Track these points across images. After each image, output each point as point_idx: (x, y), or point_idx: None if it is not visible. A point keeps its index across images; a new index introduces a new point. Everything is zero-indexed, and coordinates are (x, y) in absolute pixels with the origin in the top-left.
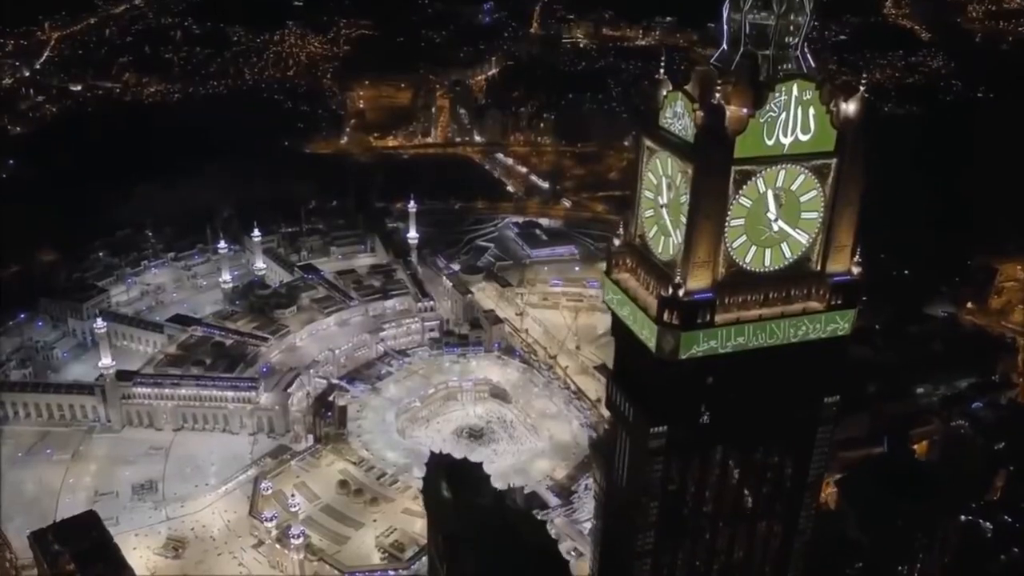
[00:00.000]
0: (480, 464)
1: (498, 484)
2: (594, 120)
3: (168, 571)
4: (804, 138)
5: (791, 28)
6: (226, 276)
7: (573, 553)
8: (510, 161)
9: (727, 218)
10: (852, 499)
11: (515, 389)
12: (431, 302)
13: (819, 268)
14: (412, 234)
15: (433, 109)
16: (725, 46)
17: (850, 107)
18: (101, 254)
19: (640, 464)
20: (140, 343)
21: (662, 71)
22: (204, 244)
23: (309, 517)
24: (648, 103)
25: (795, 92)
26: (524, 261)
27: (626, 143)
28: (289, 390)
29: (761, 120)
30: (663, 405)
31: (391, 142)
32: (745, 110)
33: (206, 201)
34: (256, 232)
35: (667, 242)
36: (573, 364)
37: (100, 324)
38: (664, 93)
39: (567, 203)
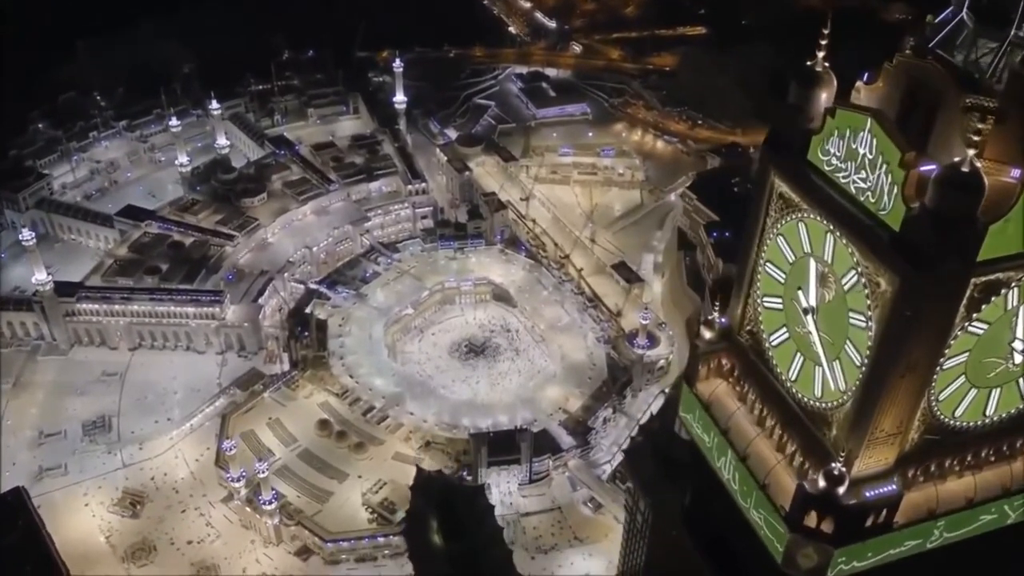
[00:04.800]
0: (481, 488)
1: (503, 418)
2: None
3: (124, 533)
4: None
5: None
6: (183, 158)
7: (590, 504)
8: None
9: (943, 359)
10: None
11: (521, 292)
12: (423, 184)
13: None
14: (399, 98)
15: None
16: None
17: None
18: (40, 125)
19: None
20: (89, 238)
21: (820, 53)
22: (161, 110)
23: (285, 467)
24: (787, 114)
25: None
26: (529, 123)
27: None
28: (260, 300)
29: None
30: None
31: None
32: (1017, 173)
33: (162, 55)
34: (215, 104)
35: (813, 374)
36: (588, 262)
37: (27, 235)
38: (823, 99)
39: (577, 48)
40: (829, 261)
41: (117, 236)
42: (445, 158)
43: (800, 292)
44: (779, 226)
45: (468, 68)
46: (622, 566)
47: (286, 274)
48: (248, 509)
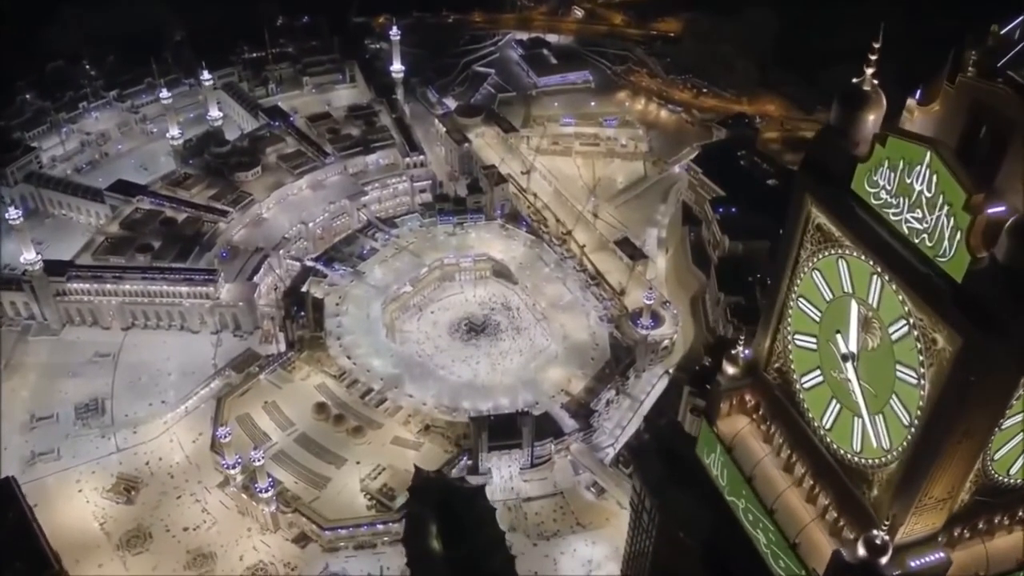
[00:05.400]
0: (482, 489)
1: (504, 401)
2: None
3: (119, 520)
4: None
5: None
6: (174, 131)
7: (593, 489)
8: None
9: (1002, 420)
10: None
11: (522, 269)
12: (421, 156)
13: None
14: (396, 66)
15: None
16: None
17: None
18: (28, 96)
19: None
20: (79, 213)
21: (868, 70)
22: (153, 79)
23: (281, 452)
24: (829, 137)
25: None
26: (529, 92)
27: None
28: (255, 279)
29: None
30: None
31: None
32: None
33: (153, 21)
34: (207, 75)
35: (851, 426)
36: (590, 238)
37: (14, 214)
38: (871, 122)
39: (579, 12)
40: (874, 306)
41: (108, 212)
42: (444, 129)
43: (839, 335)
44: (815, 260)
45: (467, 34)
46: (626, 564)
47: (281, 251)
48: (244, 496)
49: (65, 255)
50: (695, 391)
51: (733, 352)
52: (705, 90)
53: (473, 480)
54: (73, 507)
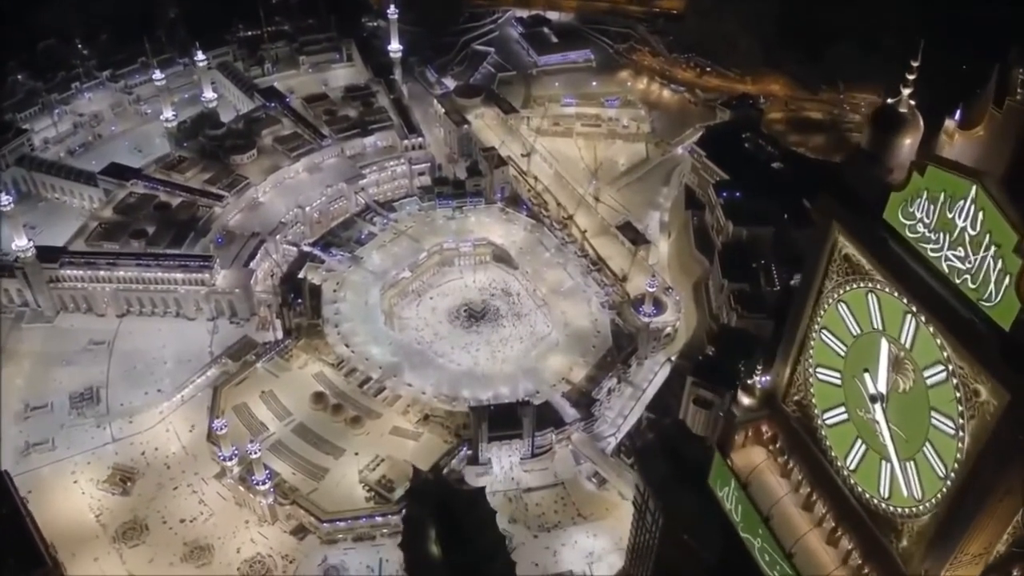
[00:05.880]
0: (482, 491)
1: (505, 389)
2: None
3: (115, 511)
4: None
5: None
6: (168, 113)
7: (594, 479)
8: None
9: None
10: None
11: (522, 254)
12: (419, 138)
13: None
14: (394, 46)
15: None
16: None
17: None
18: (19, 76)
19: None
20: (73, 196)
21: (905, 91)
22: (147, 58)
23: (279, 442)
24: (860, 161)
25: None
26: (530, 71)
27: None
28: (251, 264)
29: None
30: None
31: None
32: None
33: None
34: (201, 56)
35: (879, 470)
36: (592, 222)
37: (5, 200)
38: (907, 147)
39: None
40: (907, 346)
41: (102, 195)
42: (443, 110)
43: (867, 374)
44: (841, 291)
45: (466, 11)
46: (630, 564)
47: (278, 236)
48: (241, 488)
49: (59, 239)
50: (698, 381)
51: (749, 382)
52: (708, 69)
53: (473, 471)
54: (68, 498)
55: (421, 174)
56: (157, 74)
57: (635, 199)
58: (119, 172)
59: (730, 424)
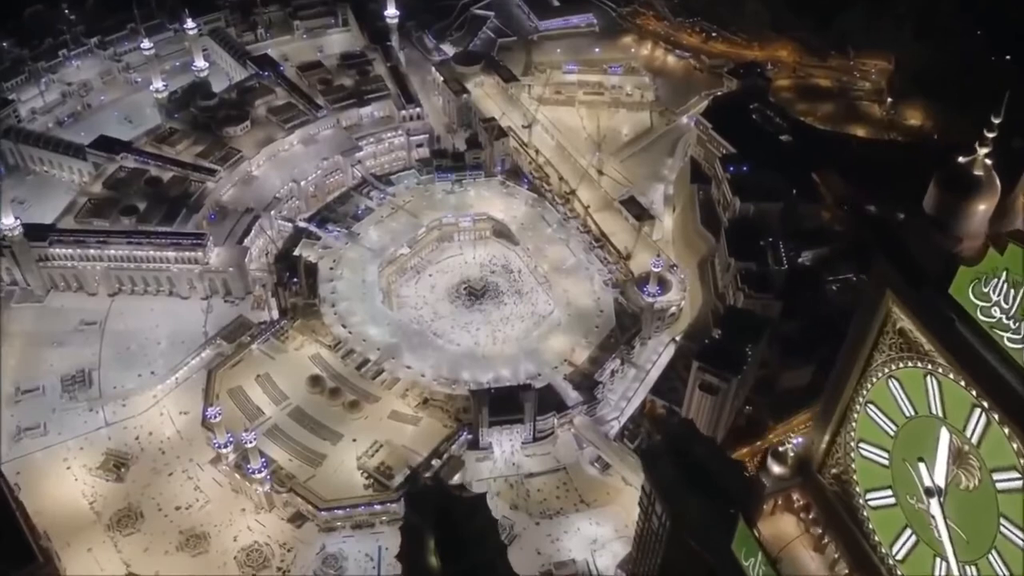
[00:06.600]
0: (483, 498)
1: (506, 371)
2: None
3: (109, 498)
4: None
5: None
6: (158, 83)
7: (597, 464)
8: None
9: None
10: None
11: (523, 229)
12: (417, 108)
13: None
14: (391, 11)
15: None
16: None
17: None
18: (4, 44)
19: None
20: (62, 170)
21: (982, 149)
22: (136, 24)
23: (275, 427)
24: (922, 227)
25: None
26: (531, 36)
27: None
28: (246, 242)
29: None
30: None
31: None
32: None
33: None
34: (191, 23)
35: (932, 567)
36: (595, 197)
37: None
38: (981, 214)
39: None
40: (974, 442)
41: (91, 169)
42: (441, 78)
43: (922, 464)
44: (894, 367)
45: None
46: (634, 565)
47: (273, 212)
48: (237, 476)
49: (48, 214)
50: (704, 366)
51: (780, 449)
52: (714, 34)
53: (473, 455)
54: (61, 485)
55: (419, 146)
56: (145, 44)
57: (639, 171)
58: (108, 145)
59: (759, 493)
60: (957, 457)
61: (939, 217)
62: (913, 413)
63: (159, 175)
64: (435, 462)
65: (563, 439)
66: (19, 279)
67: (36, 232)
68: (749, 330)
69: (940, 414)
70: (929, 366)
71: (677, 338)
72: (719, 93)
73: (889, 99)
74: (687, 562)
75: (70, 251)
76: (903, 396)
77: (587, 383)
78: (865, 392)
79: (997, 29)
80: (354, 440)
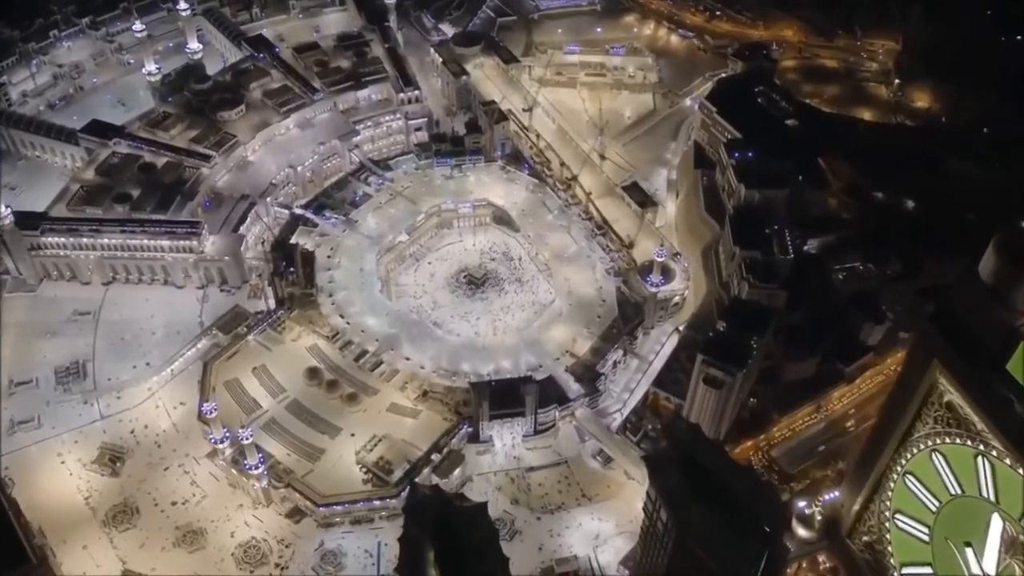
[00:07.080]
0: (484, 507)
1: (506, 363)
2: None
3: (104, 493)
4: None
5: None
6: (151, 66)
7: (599, 457)
8: None
9: None
10: None
11: (524, 216)
12: (416, 91)
13: None
14: None
15: None
16: None
17: None
18: None
19: None
20: (54, 155)
21: None
22: (128, 3)
23: (272, 421)
24: (976, 296)
25: None
26: (531, 15)
27: None
28: (242, 229)
29: None
30: None
31: None
32: None
33: None
34: (184, 3)
35: None
36: (597, 183)
37: None
38: None
39: None
40: None
41: (84, 154)
42: (440, 60)
43: (970, 549)
44: (938, 440)
45: None
46: (637, 567)
47: (269, 198)
48: (234, 471)
49: (41, 200)
50: (709, 359)
51: (808, 512)
52: (718, 13)
53: (473, 448)
54: (56, 480)
55: (418, 129)
56: (137, 26)
57: (642, 155)
58: (101, 130)
59: (782, 559)
60: (1010, 546)
61: (997, 288)
62: (959, 492)
63: (153, 161)
64: (435, 456)
65: (565, 432)
66: (11, 268)
67: (28, 220)
68: (754, 323)
69: (992, 499)
70: (981, 447)
71: (680, 328)
72: (723, 75)
73: (896, 80)
74: (693, 568)
75: (63, 240)
76: (948, 473)
77: (589, 374)
78: (904, 462)
79: (1006, 9)
80: (352, 434)
